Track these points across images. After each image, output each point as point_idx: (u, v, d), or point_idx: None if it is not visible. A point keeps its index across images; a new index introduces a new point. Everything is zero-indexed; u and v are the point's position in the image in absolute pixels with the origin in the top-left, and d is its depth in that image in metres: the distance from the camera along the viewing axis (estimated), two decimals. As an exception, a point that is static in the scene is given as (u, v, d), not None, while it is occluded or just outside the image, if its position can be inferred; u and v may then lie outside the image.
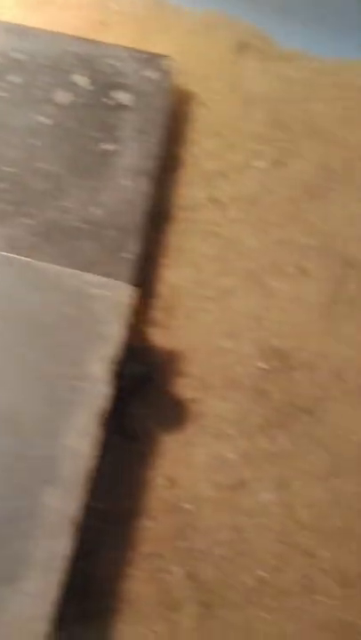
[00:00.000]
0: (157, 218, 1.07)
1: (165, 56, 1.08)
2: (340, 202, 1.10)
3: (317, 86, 1.18)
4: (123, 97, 1.09)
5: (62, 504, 0.78)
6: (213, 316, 0.99)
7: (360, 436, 0.95)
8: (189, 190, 1.09)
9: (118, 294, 0.86)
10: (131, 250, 0.94)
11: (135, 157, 1.01)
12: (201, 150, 1.13)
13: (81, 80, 1.10)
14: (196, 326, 0.98)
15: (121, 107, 1.07)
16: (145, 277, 1.02)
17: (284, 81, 1.20)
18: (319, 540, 0.88)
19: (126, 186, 0.99)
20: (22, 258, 0.92)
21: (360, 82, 1.22)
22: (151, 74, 1.11)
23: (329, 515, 0.89)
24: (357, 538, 0.90)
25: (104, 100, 1.04)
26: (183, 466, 0.90)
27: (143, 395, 0.88)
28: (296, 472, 0.91)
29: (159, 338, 0.99)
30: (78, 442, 0.80)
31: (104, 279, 0.88)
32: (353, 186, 1.10)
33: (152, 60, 1.07)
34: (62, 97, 1.08)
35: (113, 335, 0.84)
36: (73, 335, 0.84)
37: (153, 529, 0.87)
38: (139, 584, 0.85)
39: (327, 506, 0.90)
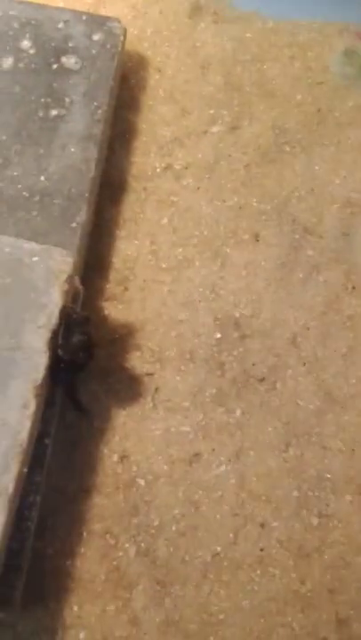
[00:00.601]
0: (111, 188, 0.84)
1: (114, 19, 0.85)
2: (296, 165, 0.87)
3: (272, 47, 0.93)
4: (69, 61, 0.84)
5: None
6: (168, 287, 0.79)
7: (314, 403, 0.77)
8: (144, 158, 0.86)
9: (57, 262, 0.66)
10: (79, 219, 0.75)
11: (82, 123, 0.79)
12: (155, 116, 0.89)
13: (26, 44, 0.89)
14: (150, 298, 0.78)
15: (67, 71, 0.82)
16: (98, 249, 0.81)
17: (239, 42, 0.94)
18: (274, 511, 0.70)
19: (73, 152, 0.77)
20: None
21: (314, 42, 0.99)
22: (99, 37, 0.86)
23: (283, 484, 0.71)
24: (312, 507, 0.74)
25: (50, 64, 0.81)
26: (137, 440, 0.72)
27: (88, 367, 0.69)
28: (251, 443, 0.73)
29: (113, 311, 0.79)
30: (13, 414, 0.61)
31: (43, 247, 0.67)
32: (308, 147, 0.87)
33: (100, 23, 0.84)
34: (6, 62, 0.87)
35: (50, 304, 0.65)
36: (7, 304, 0.64)
37: (106, 506, 0.69)
38: (91, 563, 0.67)
39: (282, 476, 0.72)
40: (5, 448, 0.62)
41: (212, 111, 0.92)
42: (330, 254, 0.86)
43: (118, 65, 0.87)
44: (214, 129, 0.91)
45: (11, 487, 0.60)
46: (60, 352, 0.65)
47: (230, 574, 0.71)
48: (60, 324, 0.65)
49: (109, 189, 0.86)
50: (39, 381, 0.64)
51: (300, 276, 0.84)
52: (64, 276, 0.67)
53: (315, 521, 0.73)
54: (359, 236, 0.88)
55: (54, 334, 0.65)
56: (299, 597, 0.70)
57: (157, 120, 0.91)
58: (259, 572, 0.71)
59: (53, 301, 0.66)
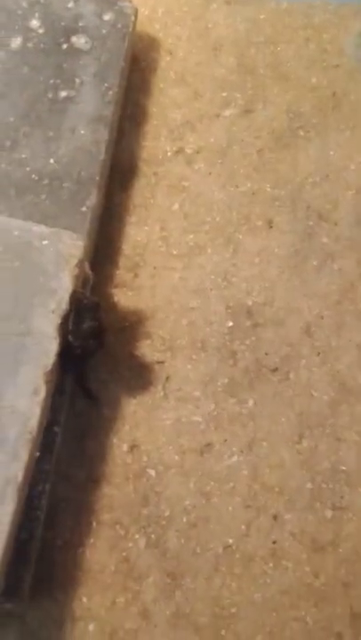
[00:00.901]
0: (121, 172, 0.82)
1: (126, -1, 0.87)
2: (310, 149, 0.85)
3: (286, 29, 0.90)
4: (79, 41, 0.82)
5: (4, 467, 0.59)
6: (180, 274, 0.77)
7: (328, 394, 0.75)
8: (155, 142, 0.84)
9: (67, 246, 0.65)
10: (89, 203, 0.73)
11: (92, 104, 0.77)
12: (167, 100, 0.87)
13: (35, 24, 0.87)
14: (161, 285, 0.76)
15: (77, 51, 0.80)
16: (107, 235, 0.79)
17: (252, 24, 0.91)
18: (287, 503, 0.69)
19: (83, 135, 0.75)
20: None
21: (330, 24, 0.96)
22: (110, 17, 0.84)
23: (297, 476, 0.70)
24: (326, 500, 0.73)
25: (59, 44, 0.79)
26: (147, 430, 0.70)
27: (98, 354, 0.67)
28: (264, 433, 0.71)
29: (123, 298, 0.77)
30: (23, 401, 0.60)
31: (53, 230, 0.65)
32: (323, 132, 0.85)
33: (111, 2, 0.82)
34: (14, 42, 0.85)
35: (60, 289, 0.63)
36: (16, 289, 0.62)
37: (115, 496, 0.68)
38: (101, 553, 0.66)
39: (295, 467, 0.70)
40: (15, 435, 0.60)
41: (224, 94, 0.90)
42: (345, 242, 0.84)
43: (129, 45, 0.84)
44: (227, 112, 0.89)
45: (20, 475, 0.59)
46: (70, 338, 0.64)
47: (242, 567, 0.69)
48: (70, 310, 0.64)
49: (119, 174, 0.84)
50: (49, 367, 0.62)
51: (315, 263, 0.83)
52: (74, 261, 0.66)
53: (329, 514, 0.72)
54: (375, 224, 0.87)
55: (64, 320, 0.64)
56: (312, 591, 0.69)
57: (168, 103, 0.89)
58: (271, 564, 0.69)
59: (63, 286, 0.65)
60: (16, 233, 0.67)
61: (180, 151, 0.86)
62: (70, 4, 0.85)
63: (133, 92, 0.90)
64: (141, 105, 0.89)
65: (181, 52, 0.92)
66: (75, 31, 0.84)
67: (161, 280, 0.79)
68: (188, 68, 0.91)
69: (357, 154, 0.90)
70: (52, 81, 0.81)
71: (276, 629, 0.69)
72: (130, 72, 0.89)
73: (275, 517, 0.71)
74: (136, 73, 0.90)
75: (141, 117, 0.88)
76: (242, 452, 0.73)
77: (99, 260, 0.80)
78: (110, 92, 0.81)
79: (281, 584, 0.69)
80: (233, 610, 0.68)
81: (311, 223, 0.84)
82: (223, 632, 0.67)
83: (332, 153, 0.89)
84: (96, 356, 0.70)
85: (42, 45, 0.83)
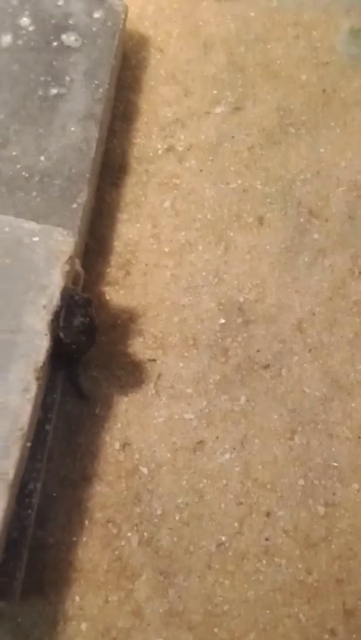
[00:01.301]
0: (111, 170, 0.83)
1: (116, -5, 0.86)
2: (301, 147, 0.86)
3: (276, 26, 0.91)
4: (69, 39, 0.82)
5: None
6: (171, 271, 0.78)
7: (320, 390, 0.76)
8: (146, 140, 0.84)
9: (57, 242, 0.65)
10: (80, 200, 0.73)
11: (83, 102, 0.77)
12: (158, 97, 0.87)
13: (25, 21, 0.88)
14: (153, 283, 0.77)
15: (67, 49, 0.80)
16: (98, 232, 0.80)
17: (243, 22, 0.92)
18: (280, 500, 0.69)
19: (74, 132, 0.75)
20: None
21: (320, 21, 0.98)
22: (100, 15, 0.85)
23: (289, 473, 0.70)
24: (319, 496, 0.75)
25: (50, 42, 0.79)
26: (139, 428, 0.71)
27: (89, 351, 0.67)
28: (256, 430, 0.72)
29: (114, 296, 0.78)
30: (13, 398, 0.60)
31: (43, 226, 0.65)
32: (313, 129, 0.86)
33: (101, 0, 0.82)
34: (4, 39, 0.86)
35: (51, 285, 0.63)
36: (7, 285, 0.63)
37: (108, 494, 0.68)
38: (93, 552, 0.66)
39: (287, 464, 0.71)
40: (6, 432, 0.60)
41: (215, 92, 0.91)
42: (336, 238, 0.85)
43: (119, 43, 0.85)
44: (217, 110, 0.89)
45: (11, 472, 0.59)
46: (61, 335, 0.64)
47: (235, 564, 0.70)
48: (61, 306, 0.64)
49: (110, 171, 0.85)
50: (40, 364, 0.62)
51: (306, 260, 0.83)
52: (65, 257, 0.66)
53: (321, 510, 0.73)
54: (366, 220, 0.88)
55: (55, 316, 0.64)
56: (305, 588, 0.70)
57: (159, 100, 0.89)
58: (264, 562, 0.70)
59: (54, 282, 0.65)
60: (7, 229, 0.67)
61: (170, 149, 0.87)
62: (60, 2, 0.85)
63: (124, 89, 0.90)
64: (132, 102, 0.90)
65: (172, 49, 0.93)
66: (65, 29, 0.84)
67: (152, 278, 0.80)
68: (179, 66, 0.92)
69: (348, 151, 0.91)
70: (42, 78, 0.81)
71: (269, 627, 0.69)
72: (120, 70, 0.89)
73: (267, 514, 0.72)
74: (126, 71, 0.91)
75: (132, 115, 0.89)
76: (234, 449, 0.74)
77: (90, 257, 0.80)
78: (100, 90, 0.81)
79: (274, 581, 0.70)
80: (226, 607, 0.69)
81: (302, 220, 0.85)
82: (216, 630, 0.67)
83: (322, 150, 0.90)
84: (88, 354, 0.71)
85: (32, 43, 0.83)
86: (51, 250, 0.67)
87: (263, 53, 0.95)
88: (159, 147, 0.86)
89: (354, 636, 0.69)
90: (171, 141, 0.87)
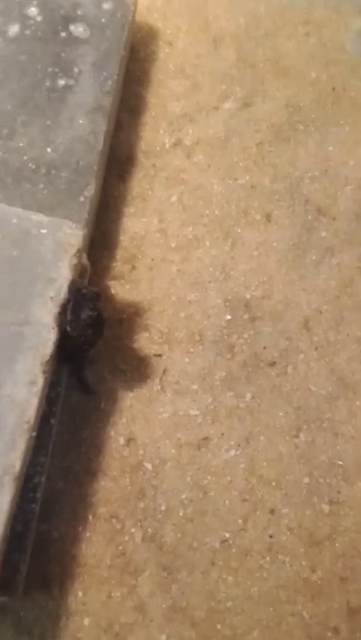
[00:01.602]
0: (118, 163, 0.83)
1: (126, -13, 0.86)
2: (309, 144, 0.86)
3: (287, 24, 0.92)
4: (78, 29, 0.83)
5: (1, 456, 0.59)
6: (177, 266, 0.78)
7: (326, 389, 0.76)
8: (154, 134, 0.85)
9: (66, 235, 0.65)
10: (87, 193, 0.73)
11: (91, 94, 0.77)
12: (166, 91, 0.88)
13: (33, 11, 0.88)
14: (159, 278, 0.77)
15: (76, 40, 0.80)
16: (105, 226, 0.80)
17: (253, 17, 0.92)
18: (284, 497, 0.70)
19: (81, 124, 0.75)
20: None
21: (330, 20, 0.98)
22: (109, 6, 0.85)
23: (294, 470, 0.71)
24: (323, 494, 0.74)
25: (58, 32, 0.80)
26: (145, 423, 0.71)
27: (96, 345, 0.67)
28: (261, 427, 0.72)
29: (120, 290, 0.78)
30: (20, 391, 0.60)
31: (51, 219, 0.66)
32: (322, 127, 0.86)
33: (111, -10, 0.86)
34: (12, 29, 0.86)
35: (59, 278, 0.64)
36: (14, 277, 0.63)
37: (112, 489, 0.68)
38: (97, 547, 0.66)
39: (292, 462, 0.71)
40: (12, 425, 0.61)
41: (224, 87, 0.91)
42: (344, 236, 0.85)
43: (129, 35, 0.85)
44: (226, 105, 0.90)
45: (17, 465, 0.59)
46: (68, 329, 0.64)
47: (239, 561, 0.70)
48: (68, 300, 0.64)
49: (117, 165, 0.85)
50: (47, 357, 0.63)
51: (313, 258, 0.84)
52: (73, 250, 0.66)
53: (326, 508, 0.73)
54: (373, 219, 0.88)
55: (63, 309, 0.64)
56: (309, 586, 0.70)
57: (167, 95, 0.90)
58: (268, 559, 0.70)
59: (62, 275, 0.65)
60: (14, 221, 0.67)
61: (178, 143, 0.87)
62: (69, -7, 0.86)
63: (132, 82, 0.90)
64: (140, 96, 0.90)
65: (181, 43, 0.93)
66: (73, 19, 0.84)
67: (159, 273, 0.80)
68: (188, 60, 0.92)
69: (357, 149, 0.91)
70: (50, 69, 0.82)
71: (272, 624, 0.69)
72: (129, 62, 0.90)
73: (272, 511, 0.72)
74: (135, 63, 0.91)
75: (140, 108, 0.89)
76: (239, 445, 0.74)
77: (96, 251, 0.80)
78: (109, 82, 0.81)
79: (278, 578, 0.70)
80: (229, 604, 0.69)
81: (310, 217, 0.86)
82: (219, 626, 0.68)
83: (331, 148, 0.90)
84: (94, 348, 0.71)
85: (40, 33, 0.83)
86: (59, 242, 0.67)
87: (273, 50, 0.95)
88: (167, 141, 0.86)
89: (357, 634, 0.70)
90: (179, 136, 0.87)
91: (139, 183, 0.85)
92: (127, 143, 0.86)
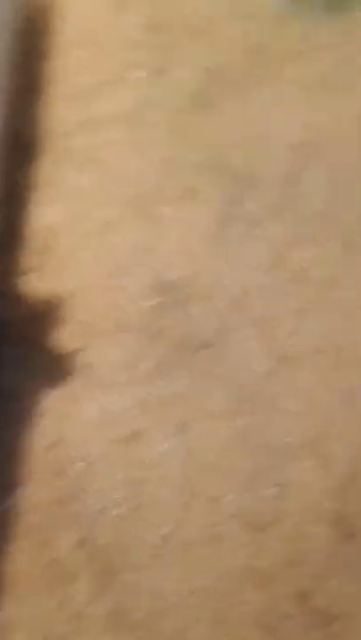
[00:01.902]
0: (23, 148, 0.78)
1: None
2: (231, 109, 0.82)
3: (197, -22, 0.97)
4: None
5: None
6: (95, 253, 0.74)
7: (265, 365, 0.75)
8: (60, 111, 0.80)
9: None
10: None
11: (-19, 75, 0.81)
12: (71, 64, 0.83)
13: None
14: (76, 267, 0.73)
15: None
16: (12, 218, 0.75)
17: (159, -25, 0.98)
18: (225, 483, 0.66)
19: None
20: None
21: (245, -29, 0.99)
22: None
23: (234, 455, 0.68)
24: (267, 477, 0.72)
25: None
26: (70, 422, 0.67)
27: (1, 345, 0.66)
28: (196, 413, 0.69)
29: (35, 284, 0.73)
30: None
31: None
32: (244, 88, 0.83)
33: None
34: None
35: None
36: None
37: (38, 495, 0.64)
38: (26, 557, 0.62)
39: (232, 446, 0.68)
40: None
41: (133, 55, 0.86)
42: (272, 206, 0.81)
43: (23, 11, 0.80)
44: (136, 74, 0.85)
45: None
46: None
47: (182, 554, 0.67)
48: None
49: (22, 150, 0.80)
50: None
51: (241, 231, 0.81)
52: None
53: (270, 491, 0.71)
54: (303, 185, 0.84)
55: None
56: (257, 573, 0.68)
57: (72, 67, 0.85)
58: (212, 549, 0.69)
59: None
60: None
61: (87, 120, 0.82)
62: None
63: (31, 57, 0.84)
64: (42, 71, 0.85)
65: (82, 10, 0.87)
66: None
67: (75, 262, 0.75)
68: (91, 28, 0.87)
69: (281, 110, 0.87)
70: None
71: (221, 616, 0.67)
72: (25, 36, 0.83)
73: (213, 500, 0.70)
74: (32, 36, 0.85)
75: (42, 86, 0.84)
76: (174, 435, 0.71)
77: (3, 245, 0.76)
78: (5, 63, 0.77)
79: (223, 568, 0.67)
80: (174, 599, 0.67)
81: (234, 189, 0.82)
82: (164, 624, 0.66)
83: (254, 111, 0.87)
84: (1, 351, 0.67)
85: None
86: None
87: (185, 9, 0.90)
88: (75, 118, 0.82)
89: (310, 617, 0.69)
90: (87, 112, 0.82)
91: (47, 167, 0.79)
92: (31, 124, 0.81)
